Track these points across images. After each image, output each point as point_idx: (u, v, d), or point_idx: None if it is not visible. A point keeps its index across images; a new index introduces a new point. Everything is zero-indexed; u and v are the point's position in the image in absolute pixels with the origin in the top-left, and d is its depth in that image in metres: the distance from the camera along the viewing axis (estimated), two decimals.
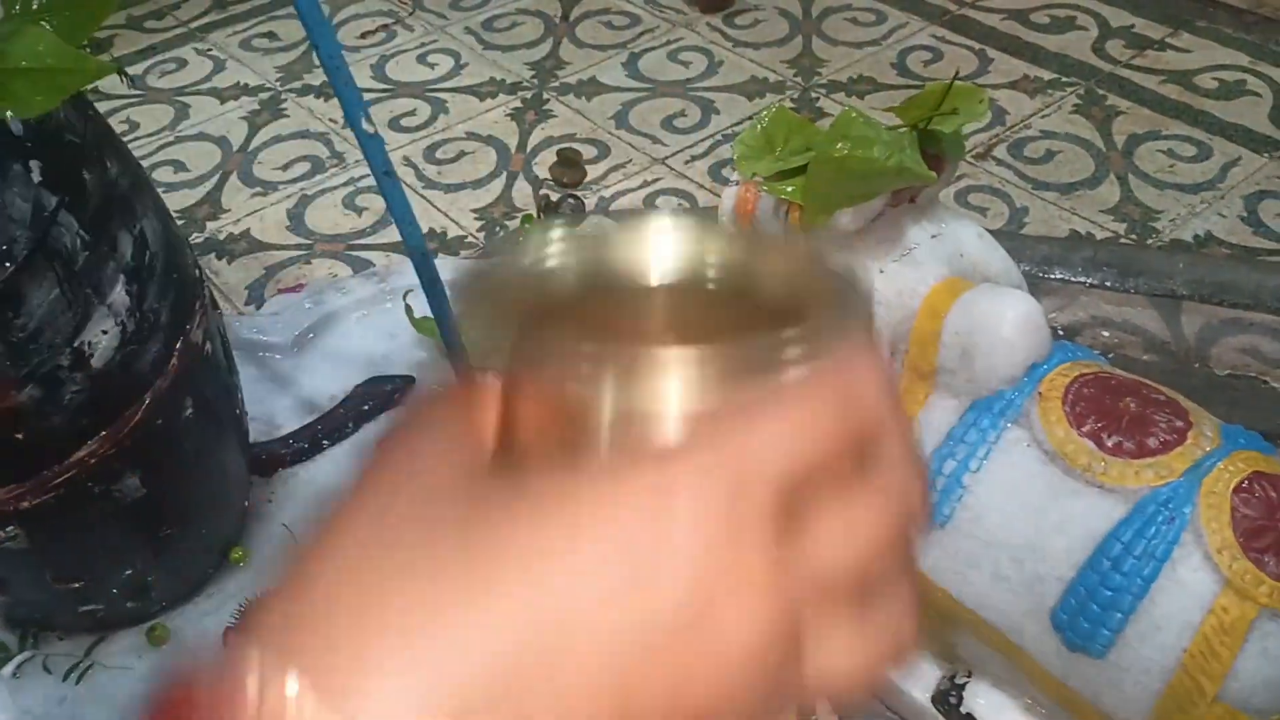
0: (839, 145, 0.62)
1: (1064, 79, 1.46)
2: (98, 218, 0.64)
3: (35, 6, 0.61)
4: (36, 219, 0.59)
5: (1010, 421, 0.66)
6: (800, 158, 0.69)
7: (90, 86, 1.59)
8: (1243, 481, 0.59)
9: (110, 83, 1.61)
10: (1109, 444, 0.63)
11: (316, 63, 1.62)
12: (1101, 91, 1.44)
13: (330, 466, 0.86)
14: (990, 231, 1.23)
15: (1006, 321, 0.67)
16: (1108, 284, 1.15)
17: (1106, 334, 1.10)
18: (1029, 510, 0.64)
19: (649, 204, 1.30)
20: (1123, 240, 1.21)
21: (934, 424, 0.69)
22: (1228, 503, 0.59)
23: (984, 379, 0.67)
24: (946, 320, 0.68)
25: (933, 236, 0.71)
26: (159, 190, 1.39)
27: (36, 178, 0.61)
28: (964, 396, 0.68)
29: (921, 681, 0.78)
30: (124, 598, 0.75)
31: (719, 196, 0.79)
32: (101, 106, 1.53)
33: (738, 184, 0.77)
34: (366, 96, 1.53)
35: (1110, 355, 1.07)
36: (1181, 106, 1.40)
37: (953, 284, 0.70)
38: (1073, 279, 1.15)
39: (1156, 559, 0.59)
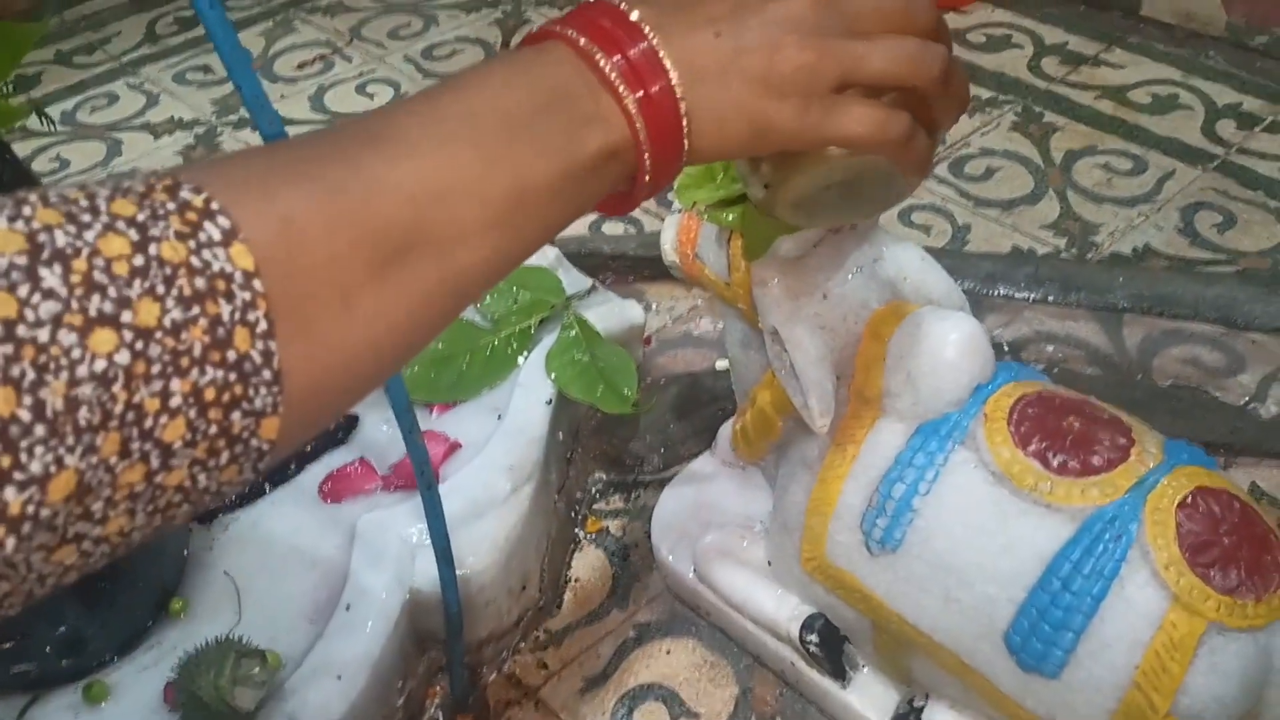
0: None
1: (1001, 97, 1.48)
2: None
3: None
4: None
5: (957, 444, 0.66)
6: (740, 186, 0.68)
7: (18, 125, 1.55)
8: (1186, 497, 0.60)
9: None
10: (1054, 463, 0.63)
11: None
12: (1038, 108, 1.46)
13: (273, 510, 0.84)
14: (934, 250, 1.24)
15: (949, 343, 0.67)
16: (1050, 299, 1.16)
17: (1050, 348, 1.11)
18: (978, 532, 0.64)
19: (593, 229, 1.29)
20: (1063, 255, 1.23)
21: (882, 448, 0.68)
22: (1172, 519, 0.59)
23: (929, 402, 0.67)
24: (890, 344, 0.68)
25: (874, 261, 0.71)
26: None
27: None
28: (910, 420, 0.68)
29: (879, 706, 0.77)
30: (59, 655, 0.72)
31: (663, 221, 0.79)
32: (30, 145, 1.51)
33: (680, 212, 0.77)
34: (304, 129, 1.51)
35: (1055, 369, 1.08)
36: (1117, 121, 1.43)
37: (896, 307, 0.70)
38: (1016, 295, 1.16)
39: (1105, 577, 0.59)
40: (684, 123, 0.38)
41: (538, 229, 0.36)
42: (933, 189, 1.33)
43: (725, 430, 0.92)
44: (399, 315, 0.32)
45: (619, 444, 1.02)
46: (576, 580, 0.92)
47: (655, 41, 0.37)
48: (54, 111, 1.60)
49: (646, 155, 0.38)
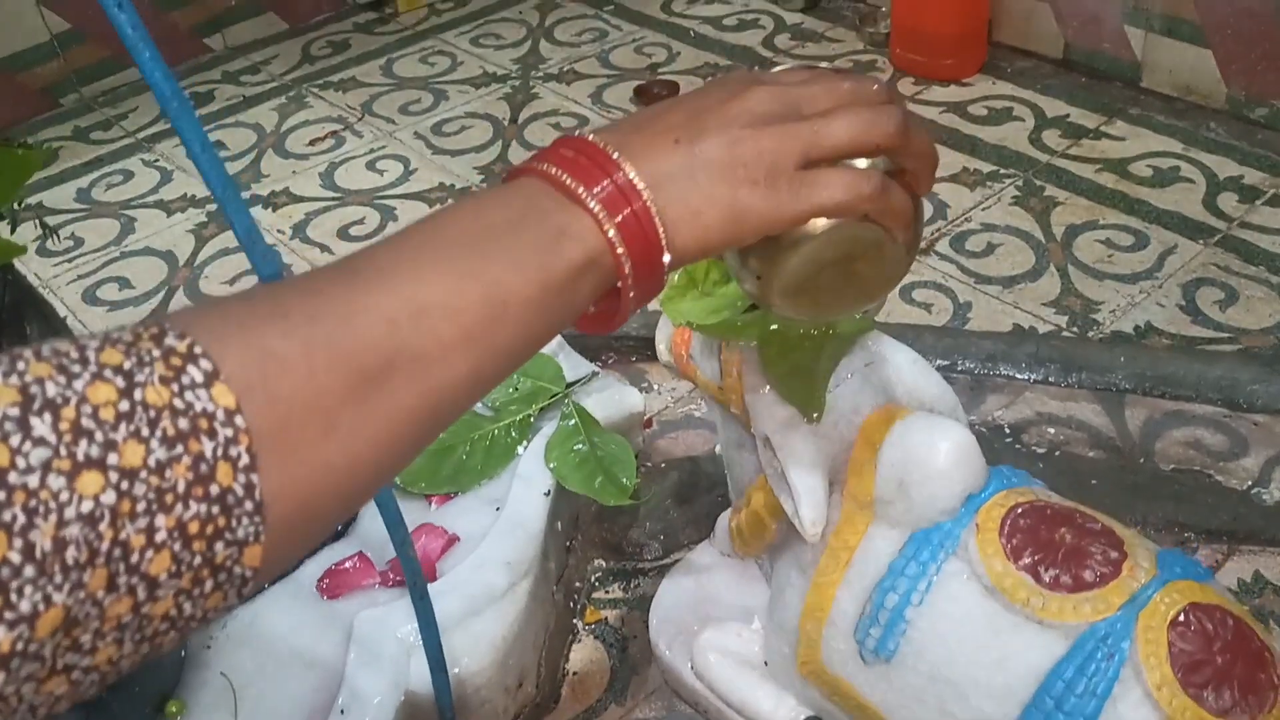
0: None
1: (1003, 170, 1.49)
2: None
3: None
4: None
5: (949, 554, 0.66)
6: (723, 290, 0.69)
7: (35, 201, 1.58)
8: (1179, 615, 0.59)
9: (57, 196, 1.61)
10: (1046, 578, 0.62)
11: (265, 172, 1.63)
12: (1040, 182, 1.47)
13: (271, 606, 0.84)
14: (935, 328, 1.25)
15: (940, 453, 0.67)
16: (1051, 379, 1.16)
17: (1052, 431, 1.11)
18: (971, 646, 0.64)
19: None
20: (1065, 334, 1.23)
21: (875, 555, 0.68)
22: (1165, 638, 0.59)
23: (921, 509, 0.67)
24: (881, 451, 0.68)
25: (866, 365, 0.71)
26: (103, 310, 1.38)
27: None
28: (903, 527, 0.68)
29: None
30: None
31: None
32: (47, 222, 1.53)
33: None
34: (315, 206, 1.54)
35: (1057, 453, 1.08)
36: (1118, 195, 1.43)
37: (888, 412, 0.70)
38: (1017, 376, 1.16)
39: (1098, 696, 0.59)
40: (659, 227, 0.39)
41: (517, 343, 0.37)
42: (934, 265, 1.34)
43: (723, 521, 0.92)
44: (381, 435, 0.33)
45: (619, 531, 1.02)
46: (574, 674, 0.92)
47: (618, 159, 0.39)
48: (70, 188, 1.63)
49: (627, 268, 0.39)
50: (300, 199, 1.56)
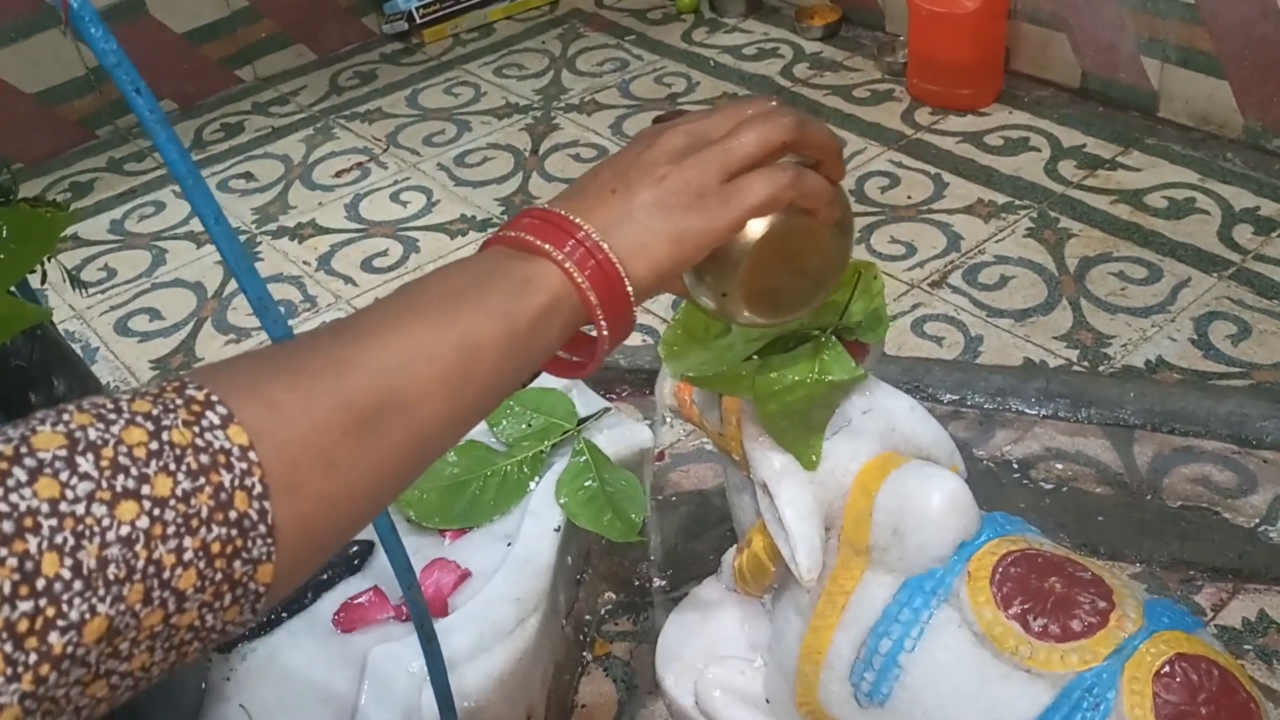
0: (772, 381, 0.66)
1: (1017, 202, 1.50)
2: None
3: None
4: None
5: (942, 601, 0.67)
6: (721, 343, 0.71)
7: (70, 233, 1.62)
8: (1164, 666, 0.60)
9: (92, 227, 1.66)
10: (1035, 627, 0.64)
11: (292, 203, 1.66)
12: (1054, 214, 1.47)
13: (289, 640, 0.87)
14: (944, 362, 1.26)
15: (934, 502, 0.68)
16: (1060, 414, 1.17)
17: (1060, 466, 1.12)
18: (962, 693, 0.65)
19: None
20: (1075, 368, 1.23)
21: (870, 600, 0.70)
22: (1150, 689, 0.60)
23: (915, 557, 0.69)
24: (876, 499, 0.70)
25: (864, 412, 0.73)
26: (134, 340, 1.42)
27: None
28: (898, 574, 0.69)
29: None
30: None
31: None
32: (81, 253, 1.58)
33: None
34: (340, 238, 1.58)
35: (1065, 489, 1.09)
36: (1132, 227, 1.44)
37: (885, 460, 0.72)
38: (1026, 410, 1.17)
39: None
40: (618, 267, 0.45)
41: (492, 382, 0.42)
42: (946, 298, 1.35)
43: (729, 557, 0.94)
44: (374, 471, 0.38)
45: (629, 565, 1.04)
46: (583, 707, 0.94)
47: (575, 220, 0.45)
48: (103, 220, 1.67)
49: (599, 310, 0.44)
50: (326, 230, 1.59)
